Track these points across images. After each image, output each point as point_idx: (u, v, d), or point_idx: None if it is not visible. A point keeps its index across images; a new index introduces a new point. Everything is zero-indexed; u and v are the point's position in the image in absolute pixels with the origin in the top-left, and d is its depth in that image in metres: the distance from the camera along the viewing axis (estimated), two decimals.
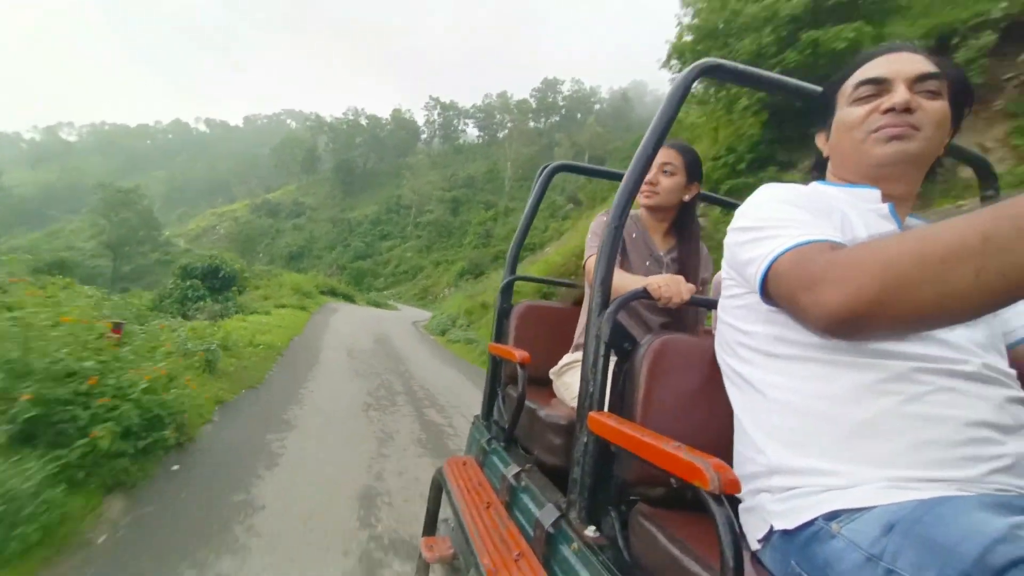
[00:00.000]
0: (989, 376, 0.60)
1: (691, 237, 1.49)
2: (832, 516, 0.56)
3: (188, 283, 10.92)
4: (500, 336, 1.61)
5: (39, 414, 2.15)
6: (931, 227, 0.45)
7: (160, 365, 3.07)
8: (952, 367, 0.59)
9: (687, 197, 1.44)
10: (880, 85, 0.70)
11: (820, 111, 0.81)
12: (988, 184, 1.10)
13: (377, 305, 26.74)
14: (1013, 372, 0.64)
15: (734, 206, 1.66)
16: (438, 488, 1.42)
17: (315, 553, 2.02)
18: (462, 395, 5.74)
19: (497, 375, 1.55)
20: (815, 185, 0.80)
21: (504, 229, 38.10)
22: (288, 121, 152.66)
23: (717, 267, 1.42)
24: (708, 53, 8.36)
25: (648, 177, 1.41)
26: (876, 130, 0.69)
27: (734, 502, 0.69)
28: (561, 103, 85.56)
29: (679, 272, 1.43)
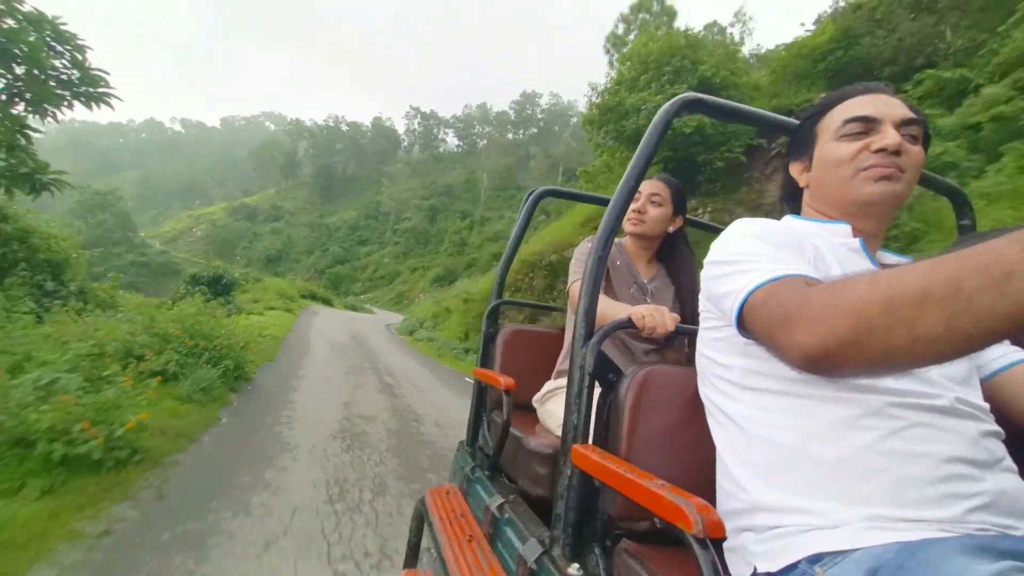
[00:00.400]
0: (963, 411, 0.61)
1: (677, 266, 1.51)
2: (815, 559, 0.55)
3: (197, 288, 12.81)
4: (486, 361, 1.59)
5: (214, 353, 5.10)
6: (901, 271, 0.46)
7: (239, 337, 6.05)
8: (926, 402, 0.60)
9: (671, 228, 1.48)
10: (869, 124, 0.71)
11: (797, 143, 0.82)
12: (963, 214, 1.13)
13: (354, 309, 29.25)
14: (986, 406, 0.64)
15: (719, 231, 1.68)
16: (420, 519, 1.38)
17: (323, 416, 4.67)
18: (411, 371, 8.63)
19: (483, 400, 1.53)
20: (788, 219, 0.81)
21: (479, 238, 39.80)
22: (267, 124, 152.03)
23: None
24: (609, 125, 11.62)
25: (636, 206, 1.43)
26: (866, 168, 0.70)
27: (719, 540, 0.68)
28: (539, 115, 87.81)
29: (663, 300, 1.44)
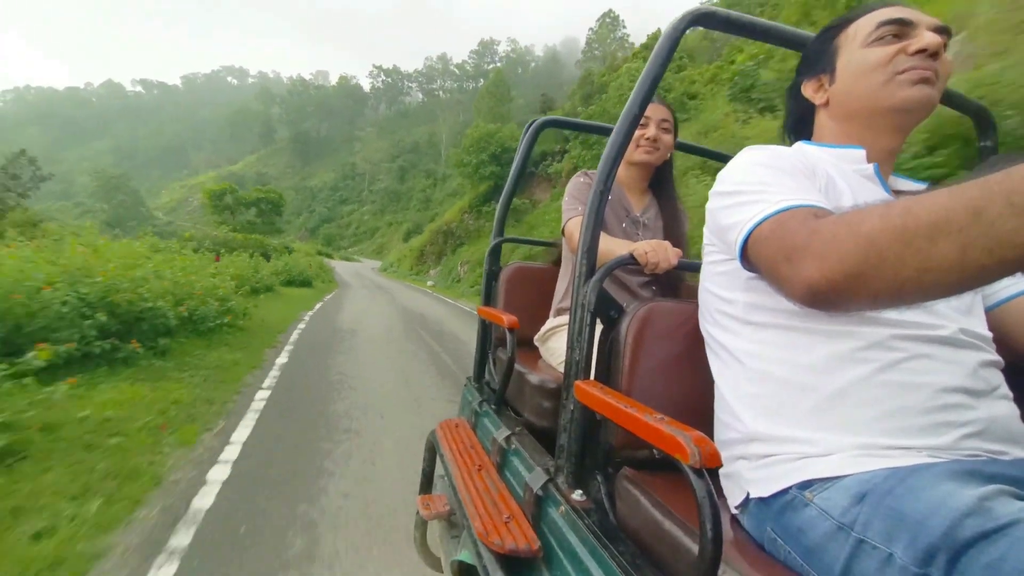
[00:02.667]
0: (965, 341, 0.60)
1: (669, 197, 1.47)
2: (805, 485, 0.57)
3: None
4: (489, 299, 1.60)
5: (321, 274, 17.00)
6: (917, 200, 0.43)
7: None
8: (928, 332, 0.59)
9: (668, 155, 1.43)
10: (904, 27, 0.67)
11: (812, 60, 0.77)
12: (986, 135, 1.07)
13: (348, 260, 45.20)
14: (989, 335, 0.64)
15: (715, 156, 1.64)
16: (432, 450, 1.45)
17: (363, 299, 13.49)
18: (385, 285, 20.00)
19: (487, 337, 1.56)
20: (799, 145, 0.77)
21: (441, 194, 48.27)
22: (230, 79, 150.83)
23: (692, 224, 1.41)
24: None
25: (650, 134, 1.36)
26: (903, 71, 0.66)
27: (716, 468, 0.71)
28: (498, 63, 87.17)
29: (656, 233, 1.42)
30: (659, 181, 1.48)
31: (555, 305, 1.47)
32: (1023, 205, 0.36)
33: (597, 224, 0.84)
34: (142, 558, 1.83)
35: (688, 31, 0.83)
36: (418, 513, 1.42)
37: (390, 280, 24.13)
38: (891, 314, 0.59)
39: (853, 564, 0.49)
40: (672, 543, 0.63)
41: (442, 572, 1.45)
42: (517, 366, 1.24)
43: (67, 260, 4.25)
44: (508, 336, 1.19)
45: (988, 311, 0.70)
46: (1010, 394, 0.62)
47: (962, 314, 0.63)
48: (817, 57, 0.76)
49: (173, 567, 1.78)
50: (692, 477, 0.51)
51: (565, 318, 1.40)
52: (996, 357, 0.63)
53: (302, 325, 7.67)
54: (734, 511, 0.67)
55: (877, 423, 0.57)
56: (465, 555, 0.96)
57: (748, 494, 0.63)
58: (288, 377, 4.50)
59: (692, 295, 0.86)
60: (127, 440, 2.73)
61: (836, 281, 0.48)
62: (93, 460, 2.45)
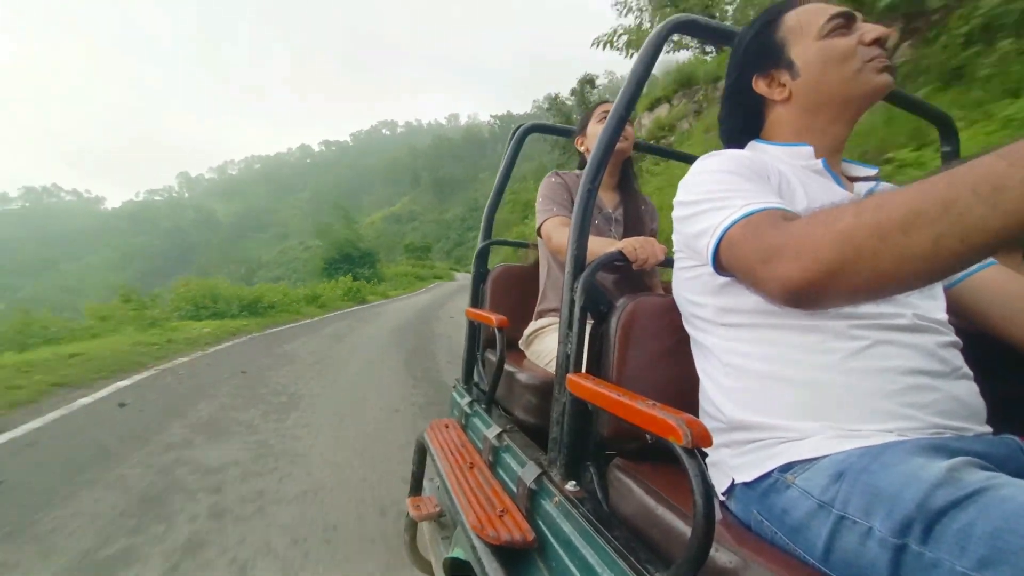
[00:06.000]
0: (922, 325, 0.64)
1: (634, 192, 1.52)
2: (786, 468, 0.60)
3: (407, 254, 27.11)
4: (477, 301, 1.61)
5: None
6: (887, 196, 0.46)
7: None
8: (886, 322, 0.63)
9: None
10: (850, 20, 0.72)
11: (758, 56, 0.78)
12: (948, 140, 1.13)
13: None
14: (945, 318, 0.68)
15: (672, 155, 1.79)
16: (422, 450, 1.45)
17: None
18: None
19: (476, 339, 1.57)
20: (753, 144, 0.81)
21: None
22: (384, 131, 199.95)
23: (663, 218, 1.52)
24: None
25: None
26: (871, 59, 0.70)
27: (702, 455, 0.74)
28: (595, 97, 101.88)
29: (629, 229, 1.47)
30: (623, 179, 1.54)
31: (537, 307, 1.49)
32: (987, 194, 0.39)
33: (586, 220, 0.87)
34: None
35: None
36: (408, 515, 1.41)
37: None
38: (850, 307, 0.62)
39: (835, 539, 0.51)
40: (664, 527, 0.65)
41: (432, 575, 1.44)
42: (507, 365, 1.25)
43: None
44: (498, 335, 1.20)
45: (948, 289, 0.74)
46: (970, 373, 0.66)
47: (918, 298, 0.67)
48: (764, 53, 0.77)
49: None
50: (684, 457, 0.53)
51: (547, 319, 1.42)
52: (954, 338, 0.67)
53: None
54: (721, 497, 0.69)
55: (848, 408, 0.60)
56: (458, 552, 0.97)
57: (733, 480, 0.66)
58: None
59: (668, 291, 0.89)
60: None
61: (815, 279, 0.50)
62: None
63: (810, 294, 0.52)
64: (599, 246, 1.14)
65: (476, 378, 1.53)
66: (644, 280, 1.43)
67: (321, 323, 9.35)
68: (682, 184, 0.74)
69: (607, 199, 1.50)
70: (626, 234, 1.46)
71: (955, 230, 0.40)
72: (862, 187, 0.77)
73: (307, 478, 2.45)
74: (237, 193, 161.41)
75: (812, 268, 0.50)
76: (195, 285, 9.78)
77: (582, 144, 1.54)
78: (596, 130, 1.47)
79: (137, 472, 2.50)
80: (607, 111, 1.45)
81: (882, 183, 0.79)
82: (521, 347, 1.49)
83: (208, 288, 9.67)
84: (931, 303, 0.68)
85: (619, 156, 1.48)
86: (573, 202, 1.38)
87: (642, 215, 1.50)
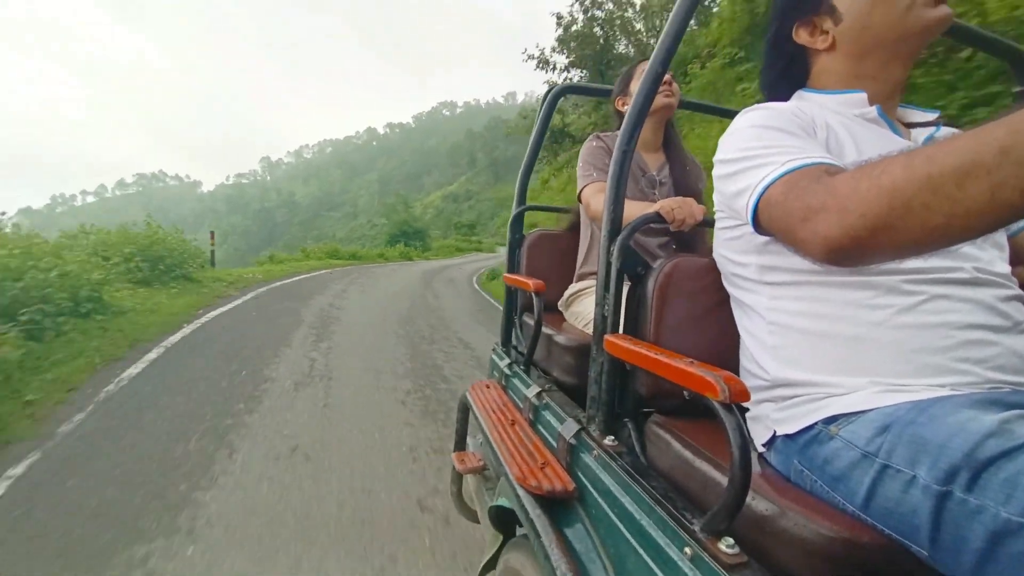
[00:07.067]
0: (982, 279, 0.61)
1: (679, 152, 1.47)
2: (831, 420, 0.60)
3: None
4: (513, 266, 1.64)
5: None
6: (939, 146, 0.44)
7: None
8: (944, 276, 0.60)
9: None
10: None
11: (794, 4, 0.75)
12: (1022, 78, 1.04)
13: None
14: (1008, 270, 0.65)
15: (717, 111, 1.67)
16: (465, 409, 1.53)
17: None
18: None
19: (513, 304, 1.60)
20: (800, 94, 0.77)
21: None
22: (444, 112, 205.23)
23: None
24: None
25: (665, 78, 1.38)
26: None
27: (741, 411, 0.75)
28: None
29: (675, 190, 1.43)
30: (666, 139, 1.50)
31: (577, 271, 1.50)
32: None
33: (622, 183, 0.86)
34: None
35: None
36: (454, 468, 1.50)
37: None
38: (905, 262, 0.60)
39: (877, 488, 0.52)
40: (702, 478, 0.68)
41: (478, 523, 1.54)
42: (544, 328, 1.28)
43: None
44: (535, 299, 1.23)
45: (1012, 237, 0.71)
46: None
47: (979, 249, 0.64)
48: (803, 0, 0.74)
49: None
50: (722, 412, 0.54)
51: (587, 282, 1.43)
52: (1018, 291, 0.64)
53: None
54: (760, 450, 0.71)
55: (897, 364, 0.59)
56: (503, 501, 1.03)
57: (775, 432, 0.67)
58: None
59: (711, 253, 0.88)
60: None
61: (860, 236, 0.48)
62: None
63: (854, 252, 0.50)
64: (633, 209, 1.13)
65: (514, 341, 1.58)
66: (692, 243, 1.41)
67: (387, 265, 17.79)
68: (722, 141, 0.72)
69: (651, 160, 1.47)
70: (674, 195, 1.44)
71: (1014, 180, 0.38)
72: (920, 134, 0.73)
73: (375, 292, 8.85)
74: (313, 175, 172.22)
75: (857, 225, 0.48)
76: (319, 246, 19.71)
77: (624, 105, 1.49)
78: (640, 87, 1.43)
79: (302, 304, 6.98)
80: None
81: (943, 128, 0.75)
82: (560, 308, 1.52)
83: (332, 248, 19.37)
84: (993, 253, 0.65)
85: (663, 115, 1.44)
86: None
87: (688, 175, 1.46)
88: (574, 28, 9.04)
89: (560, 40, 9.31)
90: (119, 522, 1.77)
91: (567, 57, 9.43)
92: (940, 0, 0.65)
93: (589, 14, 8.93)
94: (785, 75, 0.80)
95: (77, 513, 1.82)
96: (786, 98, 0.79)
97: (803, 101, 0.74)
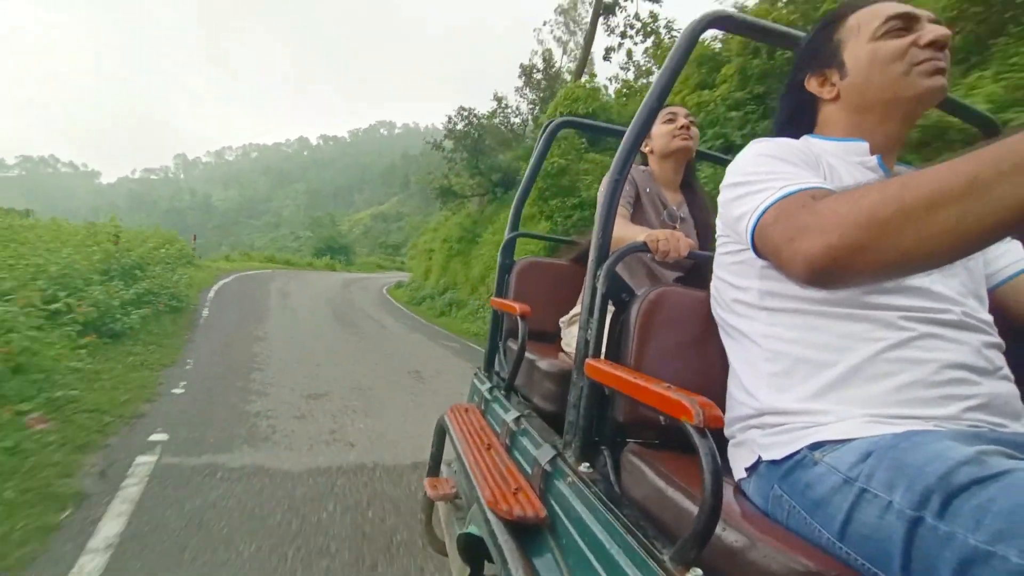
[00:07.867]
0: (969, 323, 0.64)
1: (695, 192, 1.54)
2: (816, 447, 0.60)
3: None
4: (501, 291, 1.64)
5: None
6: (913, 174, 0.47)
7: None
8: (935, 316, 0.63)
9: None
10: (909, 21, 0.70)
11: (814, 55, 0.79)
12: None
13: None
14: (990, 319, 0.67)
15: (726, 162, 1.70)
16: (441, 432, 1.49)
17: None
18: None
19: (498, 328, 1.60)
20: (807, 138, 0.80)
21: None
22: (382, 131, 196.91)
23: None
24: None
25: (681, 123, 1.46)
26: (919, 63, 0.69)
27: (722, 442, 0.74)
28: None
29: (691, 226, 1.49)
30: (685, 179, 1.57)
31: (581, 294, 1.53)
32: (1012, 168, 0.39)
33: (611, 210, 0.88)
34: None
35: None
36: (424, 495, 1.45)
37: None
38: (899, 300, 0.63)
39: (855, 513, 0.51)
40: (675, 509, 0.66)
41: (446, 555, 1.48)
42: (528, 354, 1.28)
43: None
44: (520, 324, 1.23)
45: (992, 290, 0.73)
46: (1011, 375, 0.65)
47: (964, 297, 0.66)
48: (819, 52, 0.78)
49: None
50: (696, 437, 0.54)
51: None
52: (998, 339, 0.66)
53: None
54: (741, 475, 0.70)
55: (887, 395, 0.60)
56: (472, 528, 1.00)
57: (760, 457, 0.66)
58: None
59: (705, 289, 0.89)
60: None
61: (838, 255, 0.50)
62: None
63: (834, 271, 0.52)
64: (628, 232, 1.15)
65: (497, 366, 1.57)
66: (705, 281, 1.45)
67: (315, 272, 21.74)
68: (730, 167, 0.75)
69: (672, 197, 1.54)
70: (693, 229, 1.52)
71: (979, 207, 0.41)
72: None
73: (309, 287, 13.70)
74: (234, 179, 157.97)
75: (836, 245, 0.50)
76: (258, 252, 21.49)
77: (647, 146, 1.55)
78: (661, 130, 1.48)
79: (266, 284, 12.94)
80: (673, 112, 1.49)
81: None
82: (561, 324, 1.52)
83: (269, 254, 21.82)
84: (977, 303, 0.68)
85: (683, 155, 1.51)
86: (636, 196, 1.44)
87: (705, 213, 1.53)
88: (458, 127, 14.33)
89: (448, 131, 14.52)
90: (243, 323, 7.18)
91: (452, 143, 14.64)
92: (939, 71, 0.69)
93: (466, 122, 14.35)
94: (793, 120, 0.84)
95: (228, 320, 7.27)
96: (795, 139, 0.83)
97: (809, 144, 0.78)
